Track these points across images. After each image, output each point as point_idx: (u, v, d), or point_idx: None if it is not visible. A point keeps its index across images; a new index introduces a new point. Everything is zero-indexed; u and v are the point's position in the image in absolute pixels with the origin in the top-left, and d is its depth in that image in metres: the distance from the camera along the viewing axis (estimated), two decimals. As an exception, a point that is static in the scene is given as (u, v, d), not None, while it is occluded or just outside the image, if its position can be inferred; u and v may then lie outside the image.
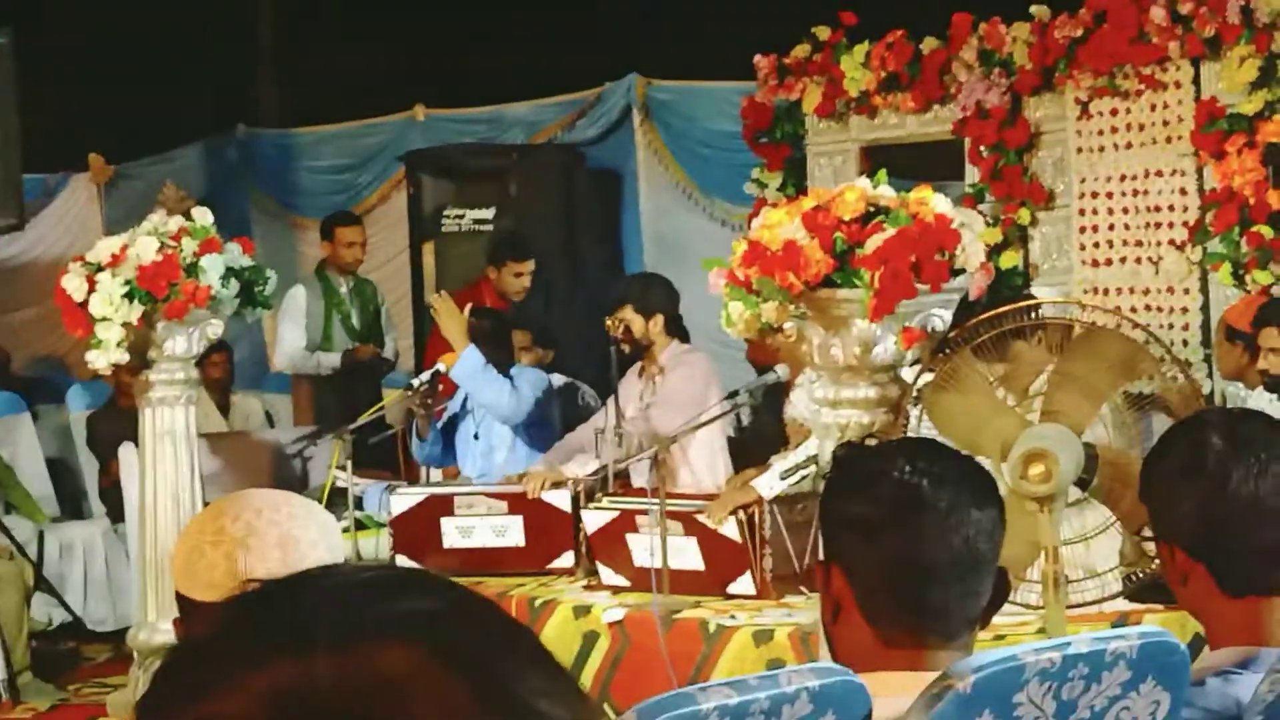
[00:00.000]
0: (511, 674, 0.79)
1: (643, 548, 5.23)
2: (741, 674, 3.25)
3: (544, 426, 6.54)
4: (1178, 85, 6.97)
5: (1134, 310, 6.91)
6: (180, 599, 2.27)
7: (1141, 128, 7.12)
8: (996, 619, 2.24)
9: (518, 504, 5.74)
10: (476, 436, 6.63)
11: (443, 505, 5.82)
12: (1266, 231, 6.59)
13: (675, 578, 5.13)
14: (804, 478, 5.11)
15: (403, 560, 5.81)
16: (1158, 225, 7.09)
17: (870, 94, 7.85)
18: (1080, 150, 7.34)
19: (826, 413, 4.39)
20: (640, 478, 5.63)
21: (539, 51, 9.80)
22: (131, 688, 6.19)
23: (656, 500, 5.10)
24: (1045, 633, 3.86)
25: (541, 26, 9.99)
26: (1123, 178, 7.21)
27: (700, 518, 5.21)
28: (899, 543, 2.09)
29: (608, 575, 5.45)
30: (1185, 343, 6.88)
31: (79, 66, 10.30)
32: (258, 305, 6.09)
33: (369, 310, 8.54)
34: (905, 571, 2.09)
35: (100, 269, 5.72)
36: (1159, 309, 7.08)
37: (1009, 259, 7.46)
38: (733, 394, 5.68)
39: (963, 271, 4.28)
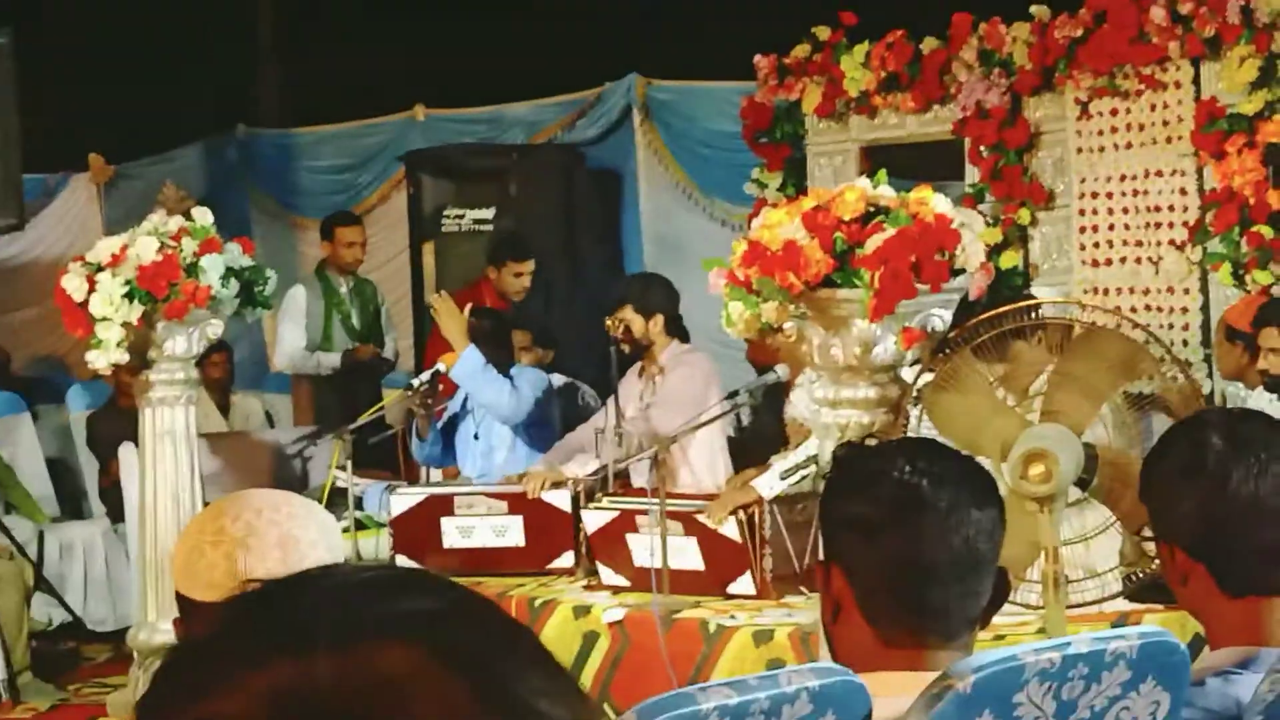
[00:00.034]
0: (511, 674, 0.79)
1: (643, 548, 5.22)
2: (741, 674, 3.25)
3: (544, 426, 6.54)
4: (1178, 85, 6.97)
5: (1134, 310, 6.91)
6: (180, 599, 2.27)
7: (1141, 128, 7.11)
8: (996, 619, 2.24)
9: (518, 504, 5.74)
10: (476, 436, 6.63)
11: (443, 505, 5.82)
12: (1266, 231, 6.59)
13: (675, 578, 5.13)
14: (804, 478, 5.10)
15: (403, 560, 5.81)
16: (1158, 225, 7.09)
17: (870, 94, 7.85)
18: (1080, 150, 7.34)
19: (826, 413, 4.38)
20: (640, 478, 5.63)
21: (539, 51, 9.79)
22: (131, 688, 6.19)
23: (656, 500, 5.10)
24: (1045, 633, 3.86)
25: (541, 26, 9.99)
26: (1123, 178, 7.21)
27: (700, 518, 5.20)
28: (899, 543, 2.09)
29: (608, 575, 5.45)
30: (1185, 343, 6.88)
31: (79, 66, 10.30)
32: (258, 305, 6.09)
33: (369, 310, 8.54)
34: (905, 571, 2.09)
35: (100, 269, 5.72)
36: (1159, 309, 7.08)
37: (1009, 259, 7.46)
38: (733, 394, 5.68)
39: (963, 271, 4.28)
